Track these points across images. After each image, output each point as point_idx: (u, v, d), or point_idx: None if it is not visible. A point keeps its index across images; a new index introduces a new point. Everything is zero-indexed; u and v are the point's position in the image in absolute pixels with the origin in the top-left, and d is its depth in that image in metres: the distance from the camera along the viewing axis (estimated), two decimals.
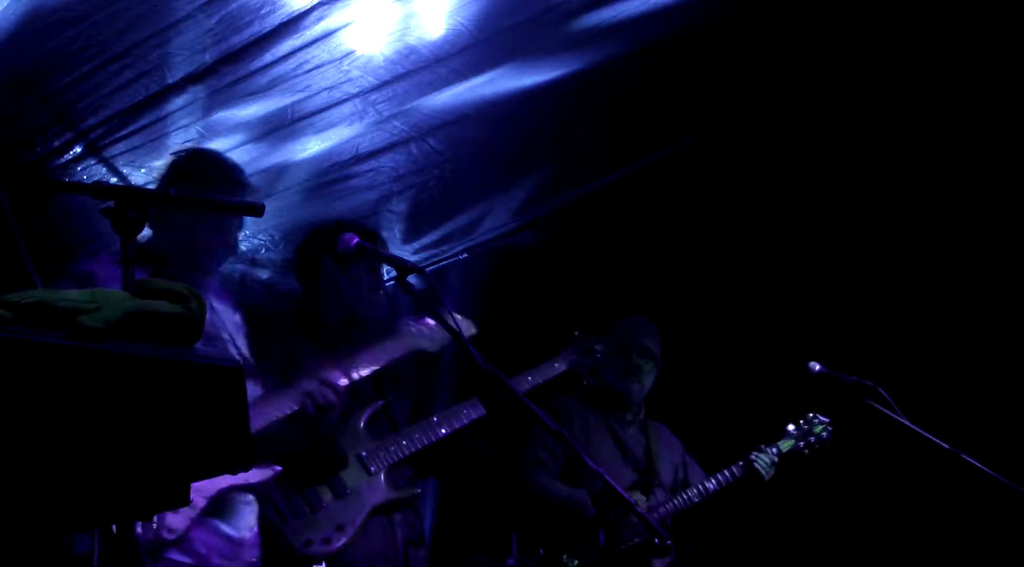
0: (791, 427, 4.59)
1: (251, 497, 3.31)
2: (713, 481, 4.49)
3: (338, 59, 3.83)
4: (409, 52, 3.85)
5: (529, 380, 4.25)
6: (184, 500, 1.64)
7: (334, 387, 3.37)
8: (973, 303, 4.77)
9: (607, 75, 4.09)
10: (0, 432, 1.39)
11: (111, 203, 2.00)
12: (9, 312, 1.44)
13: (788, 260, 5.12)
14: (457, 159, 4.61)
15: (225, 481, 3.12)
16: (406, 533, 4.02)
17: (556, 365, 4.40)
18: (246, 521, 3.24)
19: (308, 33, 3.66)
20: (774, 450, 4.50)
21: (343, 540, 3.76)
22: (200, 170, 3.35)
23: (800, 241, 5.08)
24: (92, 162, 4.20)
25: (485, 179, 4.88)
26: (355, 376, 3.54)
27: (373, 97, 4.08)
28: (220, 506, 3.16)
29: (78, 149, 4.13)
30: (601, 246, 5.38)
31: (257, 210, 2.42)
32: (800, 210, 4.98)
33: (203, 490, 3.07)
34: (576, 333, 4.59)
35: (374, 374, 3.94)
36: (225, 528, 3.16)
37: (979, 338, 4.74)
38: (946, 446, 3.46)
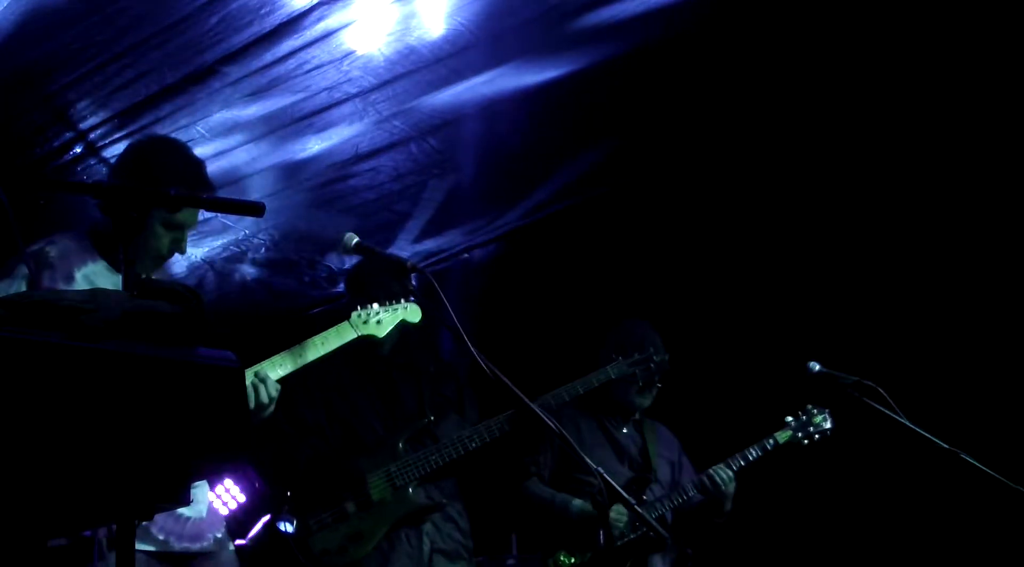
0: (789, 419, 4.59)
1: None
2: (679, 495, 4.51)
3: (338, 59, 3.84)
4: (409, 52, 3.85)
5: (580, 390, 4.28)
6: (185, 500, 1.64)
7: (266, 384, 3.11)
8: (973, 303, 4.77)
9: (607, 75, 4.09)
10: (0, 431, 1.39)
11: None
12: (9, 312, 1.44)
13: (788, 260, 5.12)
14: (457, 159, 4.62)
15: None
16: (437, 543, 4.06)
17: (603, 375, 4.39)
18: (200, 498, 3.17)
19: (308, 33, 3.67)
20: (771, 442, 4.50)
21: (359, 551, 3.83)
22: (160, 162, 3.10)
23: (800, 241, 5.08)
24: (92, 162, 4.21)
25: (485, 179, 4.88)
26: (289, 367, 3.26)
27: (373, 97, 4.09)
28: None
29: (78, 149, 4.14)
30: (602, 245, 5.38)
31: (258, 210, 2.41)
32: (800, 209, 4.98)
33: None
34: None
35: (419, 395, 4.11)
36: (180, 510, 3.07)
37: (979, 338, 4.74)
38: (946, 446, 3.46)
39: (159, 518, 3.01)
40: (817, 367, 3.74)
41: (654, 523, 2.88)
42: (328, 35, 3.70)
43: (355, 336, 3.49)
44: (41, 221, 4.28)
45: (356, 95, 4.07)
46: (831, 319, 4.97)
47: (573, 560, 4.32)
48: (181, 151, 3.22)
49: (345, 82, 3.98)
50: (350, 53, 3.81)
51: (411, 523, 4.00)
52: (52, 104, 3.88)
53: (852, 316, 4.97)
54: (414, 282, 3.21)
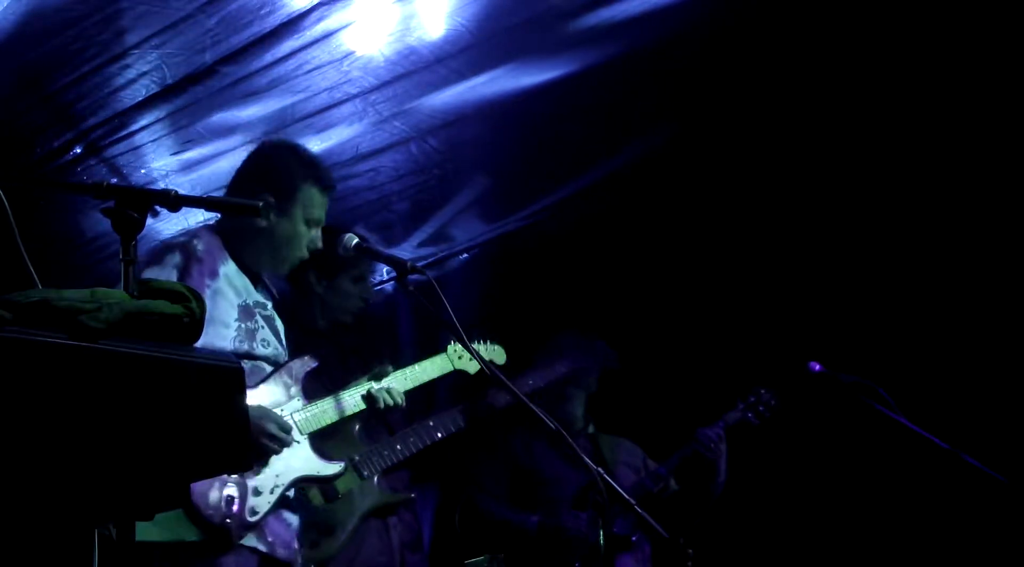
0: (737, 400, 4.60)
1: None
2: (664, 466, 4.49)
3: (338, 59, 3.84)
4: (409, 52, 3.86)
5: (530, 383, 4.25)
6: (184, 500, 1.64)
7: (391, 394, 3.52)
8: (973, 303, 4.77)
9: (606, 75, 4.09)
10: (0, 431, 1.39)
11: (111, 203, 2.00)
12: (9, 312, 1.44)
13: (787, 259, 5.12)
14: (457, 159, 4.62)
15: (302, 470, 3.17)
16: (403, 536, 4.02)
17: (558, 367, 4.40)
18: (297, 510, 3.29)
19: (308, 34, 3.67)
20: (720, 425, 4.51)
21: (332, 544, 3.74)
22: (278, 161, 3.33)
23: (800, 241, 5.08)
24: (92, 162, 4.21)
25: (485, 178, 4.88)
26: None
27: (373, 97, 4.09)
28: (288, 497, 3.18)
29: (78, 150, 4.14)
30: (599, 242, 5.38)
31: (255, 211, 2.42)
32: (798, 209, 4.98)
33: (282, 476, 3.09)
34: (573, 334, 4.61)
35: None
36: (290, 517, 3.19)
37: (979, 338, 4.74)
38: (946, 446, 3.46)
39: (272, 521, 3.08)
40: (817, 367, 3.74)
41: (655, 524, 2.87)
42: (328, 36, 3.70)
43: (451, 369, 3.86)
44: (41, 221, 4.29)
45: (356, 96, 4.07)
46: (831, 319, 4.97)
47: None
48: (295, 148, 3.43)
49: (345, 83, 3.98)
50: (350, 54, 3.81)
51: (379, 515, 3.92)
52: (52, 104, 3.87)
53: (852, 316, 4.97)
54: (413, 282, 3.22)
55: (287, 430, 3.07)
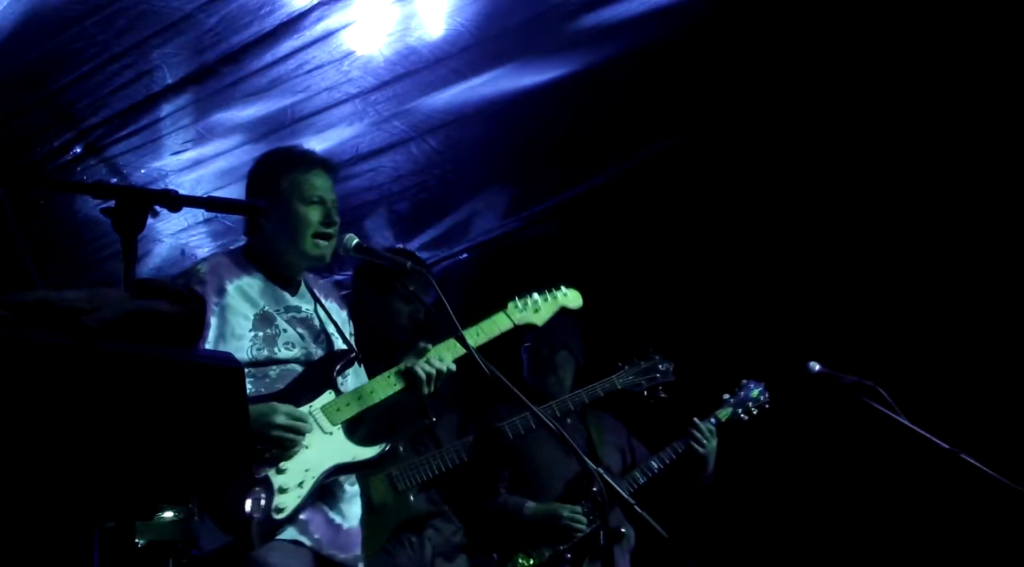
0: (727, 396, 4.59)
1: (357, 488, 3.26)
2: (656, 460, 4.48)
3: (338, 59, 3.84)
4: (409, 52, 3.86)
5: (585, 399, 4.26)
6: (184, 499, 1.64)
7: (436, 364, 3.17)
8: (973, 303, 4.77)
9: (606, 75, 4.09)
10: (0, 431, 1.39)
11: (111, 203, 2.00)
12: (9, 312, 1.45)
13: (787, 259, 5.12)
14: (457, 159, 4.62)
15: (336, 459, 3.08)
16: (438, 547, 4.02)
17: (608, 385, 4.37)
18: (353, 511, 3.20)
19: (308, 33, 3.67)
20: (712, 421, 4.50)
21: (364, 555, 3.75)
22: (270, 163, 3.29)
23: (800, 240, 5.08)
24: (92, 162, 4.21)
25: (485, 179, 4.88)
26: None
27: (373, 97, 4.09)
28: (328, 493, 3.11)
29: (78, 149, 4.14)
30: (599, 242, 5.38)
31: (257, 210, 2.42)
32: (799, 209, 4.98)
33: (312, 469, 3.02)
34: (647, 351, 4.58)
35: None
36: (334, 516, 3.11)
37: (979, 338, 4.73)
38: (946, 446, 3.45)
39: (316, 519, 3.03)
40: (817, 367, 3.74)
41: (654, 523, 2.87)
42: (328, 35, 3.70)
43: (511, 326, 3.38)
44: (41, 221, 4.29)
45: (356, 96, 4.07)
46: (831, 319, 4.97)
47: (531, 562, 4.31)
48: (276, 150, 3.39)
49: (345, 82, 3.98)
50: (350, 53, 3.82)
51: (413, 528, 3.93)
52: (52, 104, 3.88)
53: (852, 316, 4.97)
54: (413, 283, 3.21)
55: (301, 418, 3.01)
